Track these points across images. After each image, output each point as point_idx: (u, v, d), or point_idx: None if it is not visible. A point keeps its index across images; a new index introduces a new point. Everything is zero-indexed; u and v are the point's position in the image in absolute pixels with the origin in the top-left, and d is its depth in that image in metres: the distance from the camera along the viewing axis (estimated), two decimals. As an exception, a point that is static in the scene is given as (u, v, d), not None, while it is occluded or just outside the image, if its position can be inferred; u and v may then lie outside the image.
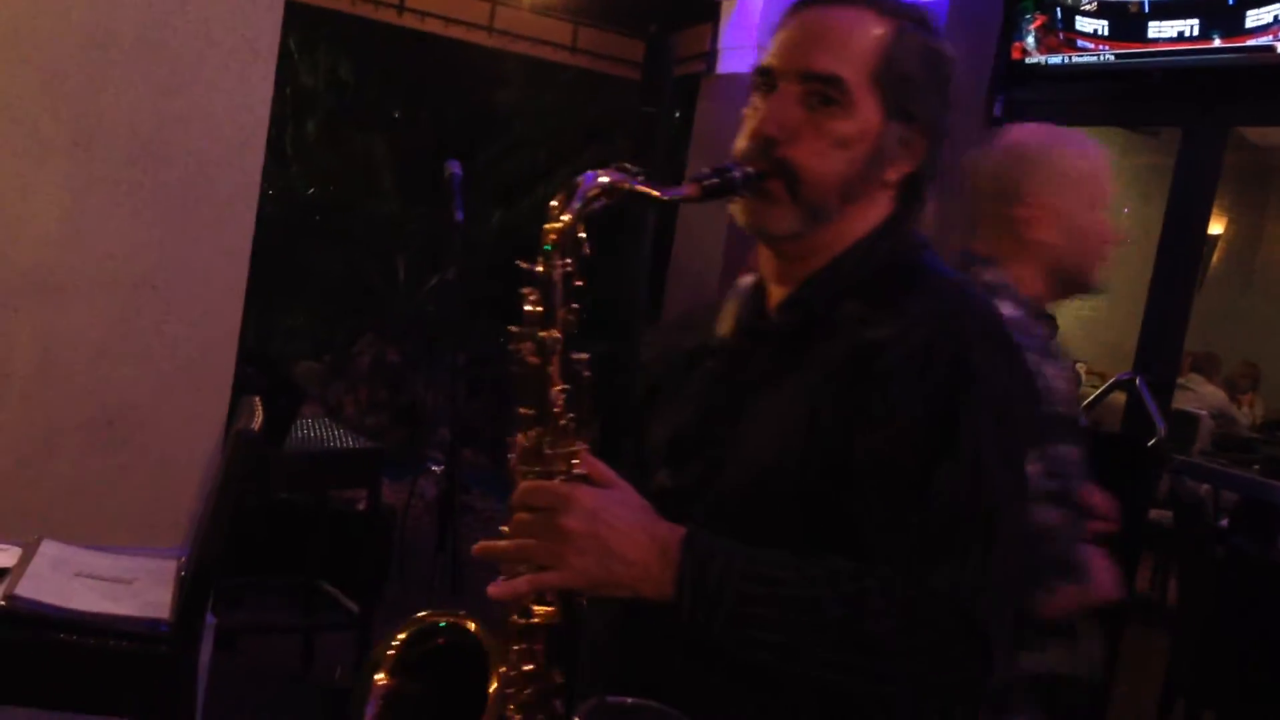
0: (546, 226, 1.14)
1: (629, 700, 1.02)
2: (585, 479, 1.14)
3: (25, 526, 2.50)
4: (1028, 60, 4.59)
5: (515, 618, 1.13)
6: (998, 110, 4.81)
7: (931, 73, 1.30)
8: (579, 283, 1.15)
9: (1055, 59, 4.51)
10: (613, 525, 1.11)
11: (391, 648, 1.17)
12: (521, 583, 1.10)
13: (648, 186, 1.17)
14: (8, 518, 2.57)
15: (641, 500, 1.16)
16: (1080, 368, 8.46)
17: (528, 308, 1.14)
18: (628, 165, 1.18)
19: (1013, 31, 4.62)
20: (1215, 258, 9.39)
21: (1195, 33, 3.99)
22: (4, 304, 2.63)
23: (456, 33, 5.89)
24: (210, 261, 2.82)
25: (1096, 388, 4.63)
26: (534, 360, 1.13)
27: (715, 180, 1.21)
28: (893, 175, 1.28)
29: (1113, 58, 4.28)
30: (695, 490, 1.24)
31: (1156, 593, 5.97)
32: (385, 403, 6.68)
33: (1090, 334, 9.30)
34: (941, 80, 1.32)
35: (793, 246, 1.29)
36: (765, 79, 1.27)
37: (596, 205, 1.14)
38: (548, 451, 1.14)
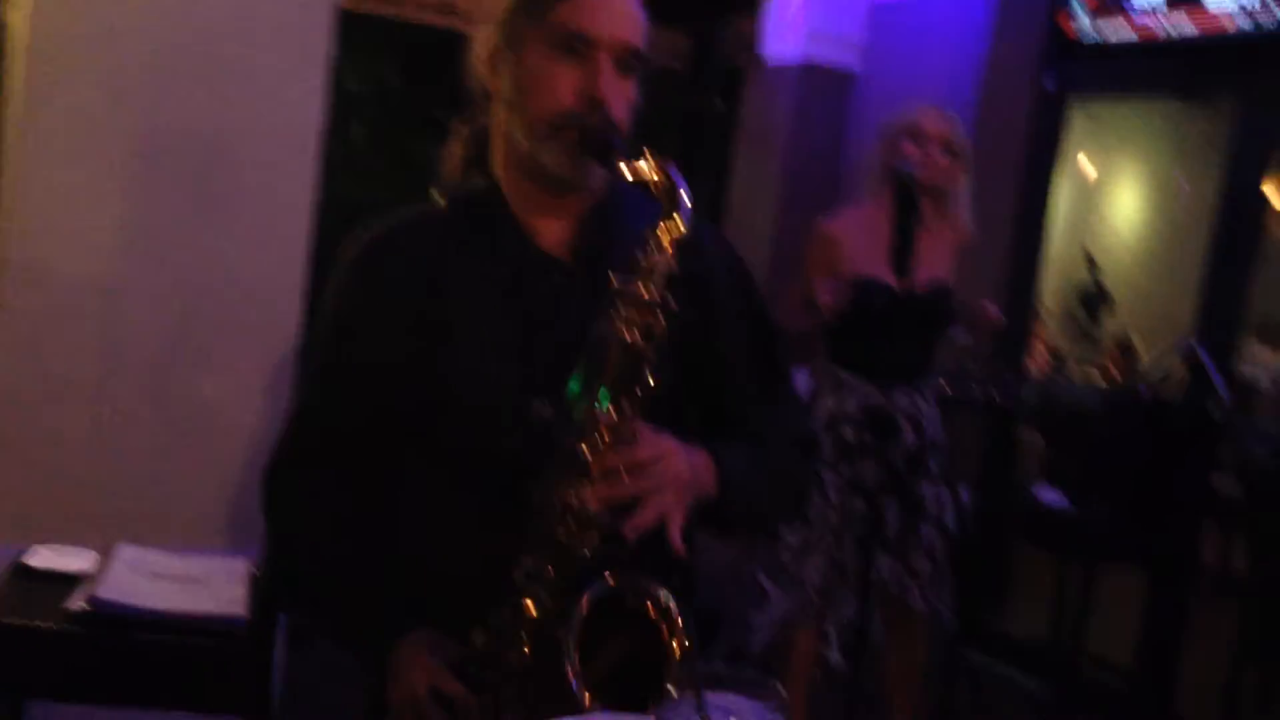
0: (665, 224, 1.36)
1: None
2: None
3: (100, 531, 2.57)
4: (1079, 33, 4.55)
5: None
6: (1049, 85, 4.76)
7: None
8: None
9: (1108, 31, 4.46)
10: (686, 461, 1.39)
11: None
12: (649, 516, 1.32)
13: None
14: (82, 523, 2.64)
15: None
16: (1137, 339, 8.36)
17: (643, 294, 1.34)
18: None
19: (1063, 4, 4.57)
20: (1270, 224, 9.22)
21: (1254, 4, 3.93)
22: (68, 313, 2.70)
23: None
24: (270, 268, 2.88)
25: (1155, 359, 4.60)
26: (632, 338, 1.34)
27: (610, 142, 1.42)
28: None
29: (1168, 30, 4.23)
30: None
31: (1220, 560, 5.89)
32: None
33: (1149, 305, 9.19)
34: None
35: (580, 190, 1.49)
36: (583, 45, 1.43)
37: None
38: (629, 413, 1.34)
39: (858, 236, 3.18)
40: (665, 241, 1.36)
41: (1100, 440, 3.82)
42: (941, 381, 3.65)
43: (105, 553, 2.36)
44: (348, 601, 1.52)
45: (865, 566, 3.04)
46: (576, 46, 1.44)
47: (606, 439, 1.33)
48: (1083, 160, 8.79)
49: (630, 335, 1.34)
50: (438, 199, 1.57)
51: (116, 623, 2.10)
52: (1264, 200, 4.38)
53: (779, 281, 3.26)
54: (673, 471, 1.36)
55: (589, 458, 1.33)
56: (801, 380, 3.33)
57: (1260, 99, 4.00)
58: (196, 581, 2.30)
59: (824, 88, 5.79)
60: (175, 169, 2.77)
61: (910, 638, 3.27)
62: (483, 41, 1.51)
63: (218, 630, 2.14)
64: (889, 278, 3.07)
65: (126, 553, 2.36)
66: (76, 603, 2.13)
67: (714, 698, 1.05)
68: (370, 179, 7.09)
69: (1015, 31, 4.87)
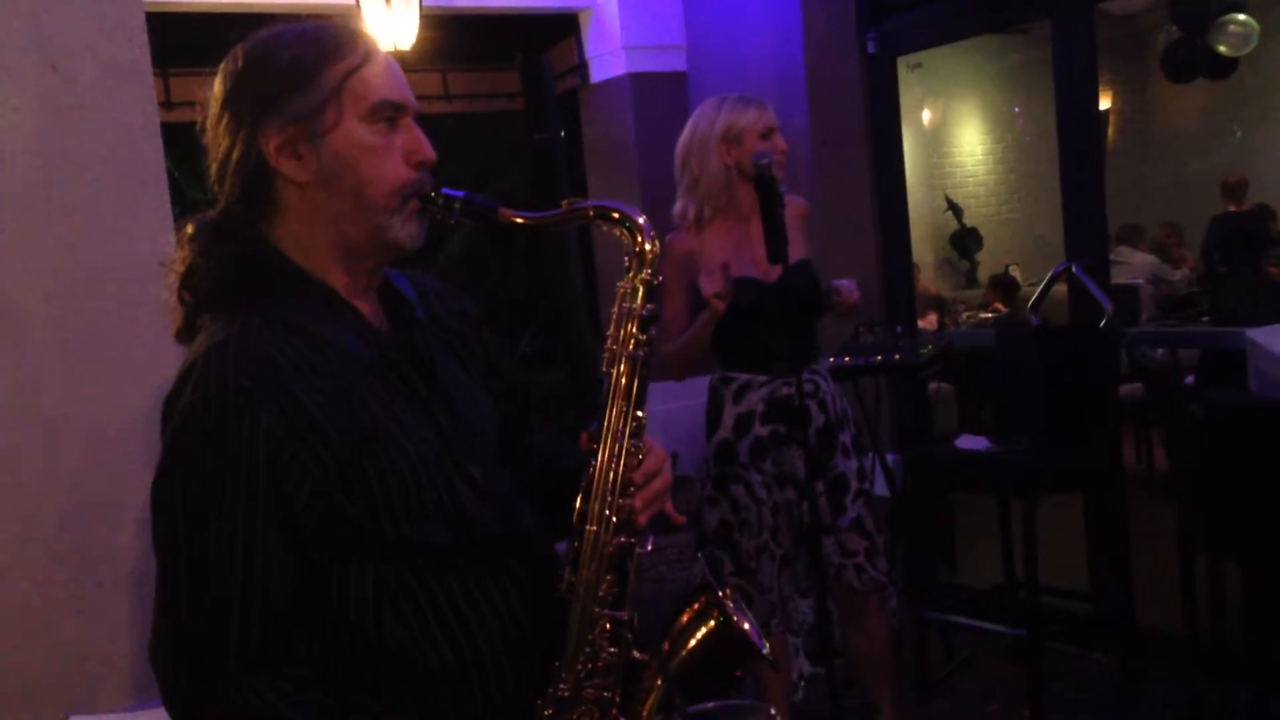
0: (638, 252, 1.49)
1: (711, 705, 1.07)
2: None
3: (45, 704, 2.47)
4: (887, -9, 4.67)
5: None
6: (871, 47, 4.87)
7: None
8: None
9: (912, -18, 4.58)
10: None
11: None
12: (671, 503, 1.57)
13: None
14: (23, 699, 2.53)
15: None
16: (1014, 270, 8.59)
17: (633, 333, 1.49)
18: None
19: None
20: (1111, 132, 9.58)
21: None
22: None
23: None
24: (156, 400, 2.79)
25: (1035, 286, 4.72)
26: (627, 373, 1.48)
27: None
28: None
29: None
30: (491, 467, 1.53)
31: (1145, 464, 6.08)
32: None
33: (1017, 235, 9.46)
34: None
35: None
36: (398, 112, 1.46)
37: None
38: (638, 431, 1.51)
39: (710, 242, 3.20)
40: (639, 278, 1.48)
41: (1004, 377, 3.90)
42: (845, 357, 3.72)
43: (57, 730, 2.28)
44: None
45: (815, 555, 3.07)
46: (391, 115, 1.45)
47: (629, 455, 1.47)
48: (925, 111, 9.02)
49: (622, 367, 1.47)
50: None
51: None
52: (1100, 112, 4.52)
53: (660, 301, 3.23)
54: (668, 464, 1.53)
55: (627, 473, 1.47)
56: (698, 393, 3.34)
57: (1071, 15, 4.13)
58: (158, 736, 2.22)
59: (657, 94, 5.85)
60: (33, 321, 2.67)
61: (863, 615, 3.27)
62: (249, 135, 1.42)
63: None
64: (751, 272, 3.10)
65: (79, 725, 2.28)
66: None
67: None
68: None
69: (825, 2, 4.97)
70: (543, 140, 5.17)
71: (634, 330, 1.47)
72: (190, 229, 1.48)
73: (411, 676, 1.40)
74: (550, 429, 1.80)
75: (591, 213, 1.48)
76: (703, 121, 3.21)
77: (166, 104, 6.18)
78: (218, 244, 1.46)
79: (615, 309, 1.48)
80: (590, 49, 6.07)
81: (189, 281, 1.48)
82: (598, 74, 6.05)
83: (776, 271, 2.94)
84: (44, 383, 2.68)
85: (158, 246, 2.79)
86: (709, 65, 5.75)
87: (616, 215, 1.48)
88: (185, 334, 1.49)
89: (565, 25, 6.13)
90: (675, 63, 5.90)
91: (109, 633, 2.71)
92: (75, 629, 2.68)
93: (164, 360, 2.78)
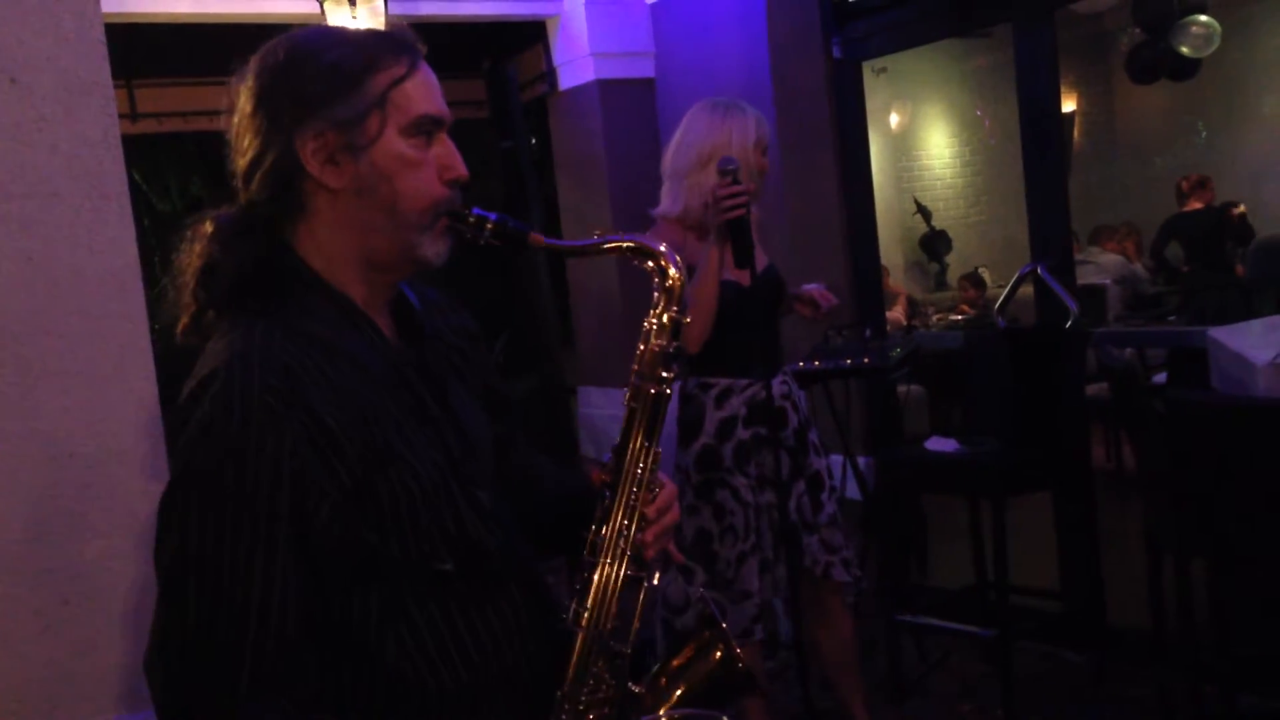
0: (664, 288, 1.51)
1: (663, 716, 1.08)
2: None
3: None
4: (846, -5, 4.70)
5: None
6: (837, 52, 4.89)
7: None
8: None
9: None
10: None
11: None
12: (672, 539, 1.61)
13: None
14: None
15: None
16: (984, 272, 8.64)
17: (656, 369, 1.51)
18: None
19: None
20: (1076, 134, 9.65)
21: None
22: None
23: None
24: (122, 414, 2.77)
25: (1002, 288, 4.75)
26: (646, 405, 1.50)
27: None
28: None
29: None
30: (494, 490, 1.52)
31: (1113, 463, 6.13)
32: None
33: (986, 237, 9.51)
34: None
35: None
36: (436, 126, 1.44)
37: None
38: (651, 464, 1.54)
39: (689, 243, 3.20)
40: (669, 314, 1.49)
41: (973, 379, 3.92)
42: (815, 361, 3.74)
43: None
44: None
45: (795, 555, 3.09)
46: (429, 129, 1.43)
47: (645, 490, 1.50)
48: (891, 115, 9.06)
49: (644, 403, 1.49)
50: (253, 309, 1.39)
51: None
52: (1062, 114, 4.54)
53: (633, 304, 3.25)
54: (676, 501, 1.57)
55: (640, 507, 1.50)
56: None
57: (1032, 18, 4.16)
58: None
59: (625, 101, 5.86)
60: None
61: (834, 613, 3.31)
62: (286, 136, 1.37)
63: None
64: (725, 277, 3.10)
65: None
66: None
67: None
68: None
69: (790, 7, 5.00)
70: (509, 148, 5.18)
71: (658, 366, 1.49)
72: (209, 226, 1.43)
73: (413, 700, 1.38)
74: (526, 447, 1.77)
75: (624, 245, 1.49)
76: (735, 127, 3.15)
77: (131, 116, 6.15)
78: (239, 242, 1.40)
79: (641, 344, 1.50)
80: (558, 56, 6.08)
81: (207, 279, 1.41)
82: (566, 81, 6.05)
83: (747, 276, 2.97)
84: (8, 398, 2.65)
85: (121, 259, 2.77)
86: (677, 71, 5.76)
87: (644, 249, 1.49)
88: (192, 331, 1.44)
89: (533, 32, 6.13)
90: (643, 69, 5.91)
91: (75, 650, 2.68)
92: (40, 646, 2.65)
93: (130, 374, 2.77)
